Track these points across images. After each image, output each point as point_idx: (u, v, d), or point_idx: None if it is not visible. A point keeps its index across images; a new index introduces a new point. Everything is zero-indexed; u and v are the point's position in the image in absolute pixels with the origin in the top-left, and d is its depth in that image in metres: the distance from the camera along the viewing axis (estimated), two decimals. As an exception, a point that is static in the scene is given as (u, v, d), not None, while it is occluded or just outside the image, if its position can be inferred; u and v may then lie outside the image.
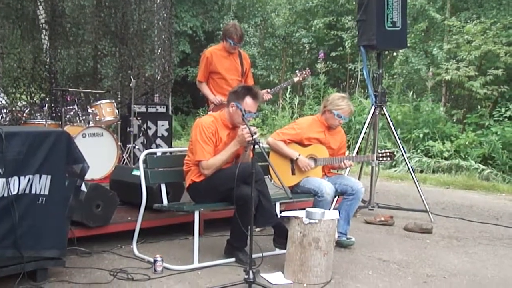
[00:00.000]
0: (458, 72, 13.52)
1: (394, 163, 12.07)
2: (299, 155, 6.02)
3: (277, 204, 5.84)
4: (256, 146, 4.90)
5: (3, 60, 9.92)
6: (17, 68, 10.02)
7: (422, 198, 7.64)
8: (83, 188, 4.84)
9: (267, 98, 7.40)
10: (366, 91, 12.64)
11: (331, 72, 18.38)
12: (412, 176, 7.90)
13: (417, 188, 7.71)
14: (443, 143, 12.52)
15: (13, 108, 8.89)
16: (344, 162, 6.17)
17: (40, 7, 10.03)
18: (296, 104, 15.84)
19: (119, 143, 8.44)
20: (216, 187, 5.30)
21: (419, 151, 12.72)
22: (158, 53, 11.36)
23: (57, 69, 9.99)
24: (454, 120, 13.94)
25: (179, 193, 6.24)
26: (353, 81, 17.78)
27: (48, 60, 9.98)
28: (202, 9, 20.63)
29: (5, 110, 8.42)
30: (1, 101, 8.58)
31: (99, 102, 8.59)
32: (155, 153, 5.96)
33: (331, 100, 6.16)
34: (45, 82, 9.91)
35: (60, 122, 8.21)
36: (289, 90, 15.88)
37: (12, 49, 9.91)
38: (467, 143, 12.31)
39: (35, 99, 9.59)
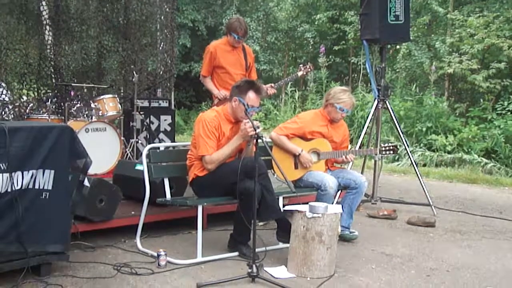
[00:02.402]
0: (460, 65, 13.49)
1: (397, 157, 12.07)
2: (302, 150, 6.02)
3: (280, 198, 5.84)
4: (259, 141, 4.91)
5: (8, 56, 9.93)
6: (23, 64, 10.03)
7: (425, 191, 7.65)
8: (86, 183, 4.85)
9: (271, 92, 7.38)
10: (369, 85, 12.61)
11: (334, 66, 18.35)
12: (415, 170, 7.91)
13: (420, 182, 7.72)
14: (446, 137, 12.50)
15: (17, 103, 8.89)
16: (347, 156, 6.17)
17: (44, 3, 10.03)
18: (297, 98, 15.84)
19: (122, 138, 8.45)
20: (219, 181, 5.31)
21: (422, 145, 12.71)
22: (160, 48, 11.36)
23: (62, 65, 10.00)
24: (457, 114, 13.91)
25: (182, 187, 6.24)
26: (356, 75, 17.75)
27: (53, 56, 9.99)
28: (205, 3, 20.59)
29: (9, 106, 8.42)
30: (5, 97, 8.58)
31: (102, 97, 8.58)
32: (158, 148, 5.96)
33: (333, 94, 6.16)
34: (50, 77, 9.92)
35: (63, 117, 8.22)
36: (290, 84, 15.86)
37: (18, 44, 9.92)
38: (470, 136, 12.30)
39: (41, 95, 9.61)
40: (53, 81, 9.83)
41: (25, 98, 9.56)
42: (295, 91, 16.01)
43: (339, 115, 6.15)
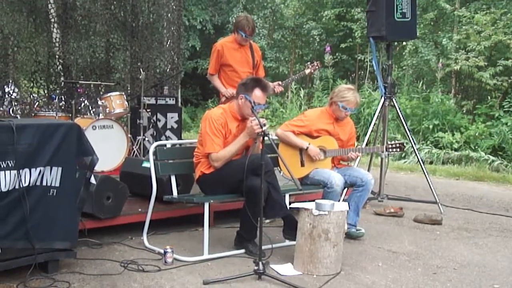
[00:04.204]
0: (467, 63, 13.45)
1: (403, 154, 12.05)
2: (309, 144, 6.02)
3: (287, 196, 5.84)
4: (266, 138, 4.92)
5: (20, 54, 9.99)
6: (33, 62, 10.09)
7: (431, 189, 7.63)
8: (92, 180, 4.86)
9: (279, 90, 7.37)
10: (376, 82, 12.60)
11: (340, 63, 18.32)
12: (422, 168, 7.89)
13: (427, 179, 7.70)
14: (453, 134, 12.48)
15: (24, 101, 8.93)
16: (352, 154, 6.16)
17: (51, 0, 10.06)
18: (303, 96, 15.83)
19: (129, 135, 8.47)
20: (225, 178, 5.32)
21: (428, 142, 12.68)
22: (167, 45, 11.37)
23: (70, 62, 10.04)
24: (464, 111, 13.88)
25: (189, 184, 6.25)
26: (362, 72, 17.71)
27: (62, 53, 10.04)
28: (211, 1, 20.59)
29: (16, 103, 8.46)
30: (16, 95, 8.61)
31: (109, 94, 8.60)
32: (165, 145, 5.98)
33: (337, 92, 6.16)
34: (59, 75, 9.97)
35: (70, 114, 8.24)
36: (295, 82, 15.84)
37: (28, 42, 9.97)
38: (476, 134, 12.27)
39: (50, 93, 9.67)
40: (62, 78, 9.87)
41: (33, 95, 9.61)
42: (300, 89, 16.00)
43: (343, 114, 6.14)
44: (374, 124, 7.96)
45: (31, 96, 9.43)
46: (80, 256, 4.99)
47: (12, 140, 4.21)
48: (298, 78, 9.02)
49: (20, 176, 4.27)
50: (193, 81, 20.80)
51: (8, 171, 4.21)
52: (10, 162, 4.22)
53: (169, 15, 11.37)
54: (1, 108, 8.03)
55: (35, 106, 8.74)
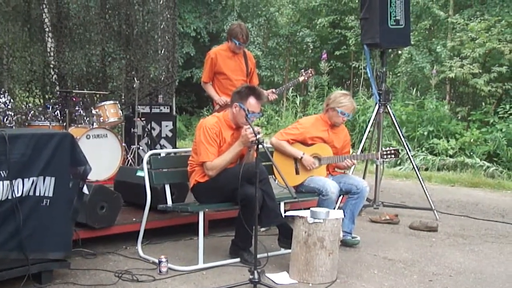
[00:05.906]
0: (462, 70, 13.47)
1: (398, 161, 12.05)
2: (304, 153, 6.01)
3: (282, 204, 5.84)
4: (260, 146, 4.90)
5: (15, 64, 9.98)
6: (28, 71, 10.08)
7: (427, 196, 7.62)
8: (85, 190, 4.83)
9: (273, 98, 7.37)
10: (370, 89, 12.62)
11: (335, 71, 18.36)
12: (417, 174, 7.88)
13: (422, 186, 7.70)
14: (448, 141, 12.49)
15: (20, 110, 8.92)
16: (347, 161, 6.15)
17: (46, 10, 10.05)
18: (298, 103, 15.85)
19: (123, 144, 8.45)
20: (220, 187, 5.31)
21: (423, 149, 12.69)
22: (161, 54, 11.37)
23: (65, 71, 10.04)
24: (459, 118, 13.90)
25: (184, 193, 6.23)
26: (357, 79, 17.74)
27: (56, 63, 10.03)
28: (206, 9, 20.61)
29: (9, 112, 8.43)
30: (7, 104, 8.59)
31: (103, 103, 8.58)
32: (159, 154, 5.96)
33: (334, 98, 6.15)
34: (54, 85, 9.96)
35: (64, 124, 8.22)
36: (291, 90, 15.86)
37: (23, 52, 9.97)
38: (471, 140, 12.27)
39: (46, 102, 9.66)
40: (57, 88, 9.86)
41: (28, 105, 9.61)
42: (296, 97, 16.03)
43: (340, 119, 6.13)
44: (369, 131, 7.96)
45: (27, 105, 9.43)
46: (74, 267, 4.97)
47: (4, 150, 4.19)
48: (292, 85, 9.02)
49: (13, 187, 4.25)
50: (188, 89, 20.77)
51: (1, 182, 4.19)
52: (2, 173, 4.20)
53: (163, 23, 11.37)
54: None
55: (29, 115, 8.72)
